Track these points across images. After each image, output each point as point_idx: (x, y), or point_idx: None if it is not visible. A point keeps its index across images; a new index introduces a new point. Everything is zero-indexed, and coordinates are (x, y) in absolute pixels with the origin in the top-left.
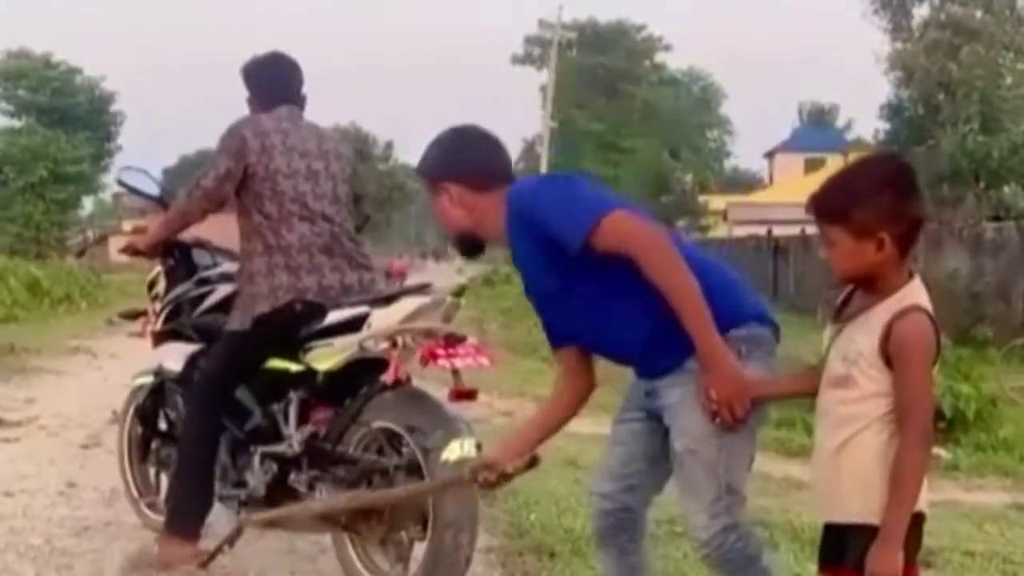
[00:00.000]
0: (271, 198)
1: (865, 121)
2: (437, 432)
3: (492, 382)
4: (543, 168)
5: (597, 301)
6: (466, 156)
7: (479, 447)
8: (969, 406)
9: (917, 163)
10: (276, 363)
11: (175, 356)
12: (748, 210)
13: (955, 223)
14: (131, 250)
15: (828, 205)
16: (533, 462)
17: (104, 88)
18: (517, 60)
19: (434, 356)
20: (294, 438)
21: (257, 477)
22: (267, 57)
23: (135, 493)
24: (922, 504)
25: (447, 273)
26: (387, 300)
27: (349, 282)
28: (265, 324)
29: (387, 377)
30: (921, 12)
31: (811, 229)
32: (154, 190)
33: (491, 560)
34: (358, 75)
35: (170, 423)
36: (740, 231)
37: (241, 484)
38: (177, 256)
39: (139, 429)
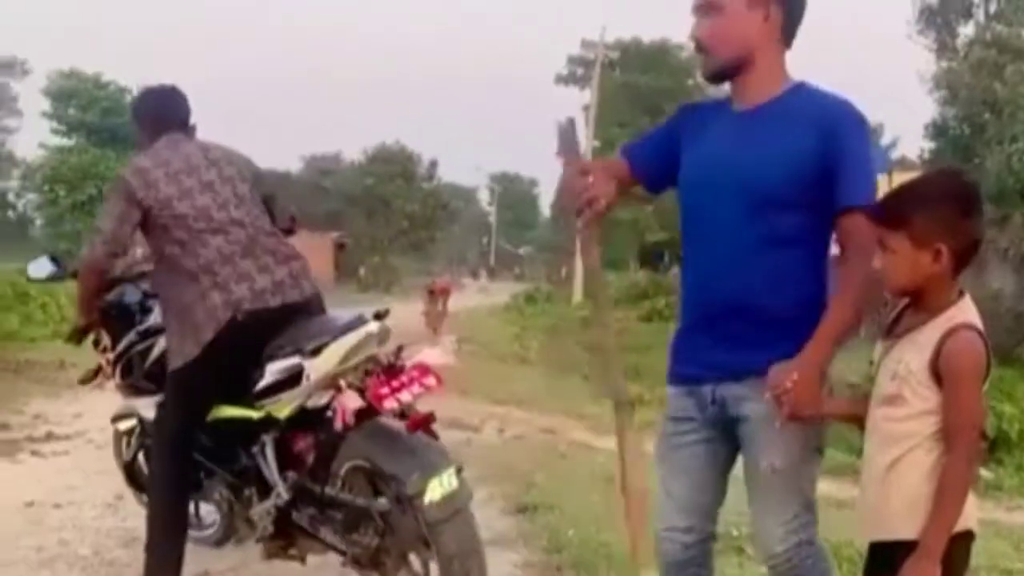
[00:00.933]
0: (175, 225)
1: (910, 140)
2: (413, 475)
3: (535, 398)
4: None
5: (779, 246)
6: None
7: (460, 471)
8: (1012, 426)
9: None
10: (236, 412)
11: (147, 405)
12: None
13: (1000, 243)
14: (77, 337)
15: (892, 210)
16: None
17: None
18: (560, 80)
19: (380, 399)
20: (280, 487)
21: (263, 519)
22: (150, 91)
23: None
24: (971, 522)
25: (491, 290)
26: (316, 351)
27: (280, 278)
28: (212, 348)
29: (336, 425)
30: (966, 31)
31: None
32: (57, 270)
33: (529, 575)
34: (402, 95)
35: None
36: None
37: (250, 524)
38: (111, 312)
39: (129, 472)
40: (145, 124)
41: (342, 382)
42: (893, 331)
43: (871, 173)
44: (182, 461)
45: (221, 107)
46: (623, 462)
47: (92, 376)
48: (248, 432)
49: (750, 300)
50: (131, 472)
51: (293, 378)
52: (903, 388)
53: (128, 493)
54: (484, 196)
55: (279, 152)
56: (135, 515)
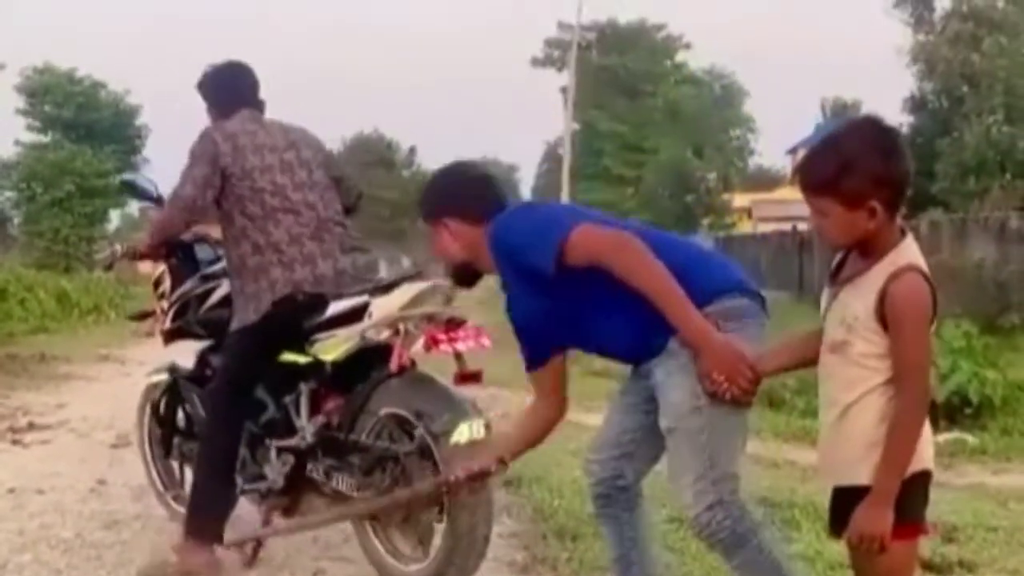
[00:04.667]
0: (251, 197)
1: (889, 115)
2: (445, 416)
3: (521, 379)
4: (566, 170)
5: (583, 309)
6: (461, 191)
7: (488, 427)
8: (996, 392)
9: (943, 155)
10: (284, 356)
11: (186, 354)
12: (772, 207)
13: (981, 214)
14: (132, 253)
15: (815, 176)
16: (502, 464)
17: (128, 102)
18: (537, 62)
19: (436, 342)
20: (307, 430)
21: (275, 470)
22: (222, 66)
23: (160, 487)
24: (927, 462)
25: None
26: (387, 288)
27: (342, 267)
28: (268, 319)
29: (392, 364)
30: (943, 4)
31: None
32: (152, 190)
33: (515, 544)
34: (379, 82)
35: (188, 419)
36: (765, 227)
37: (261, 477)
38: (179, 255)
39: (157, 426)
40: (220, 98)
41: (402, 327)
42: (838, 277)
43: (537, 235)
44: (234, 414)
45: (194, 102)
46: None
47: (143, 316)
48: (287, 382)
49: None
50: (154, 430)
51: (356, 313)
52: (850, 334)
53: (111, 478)
54: None
55: None
56: (117, 499)
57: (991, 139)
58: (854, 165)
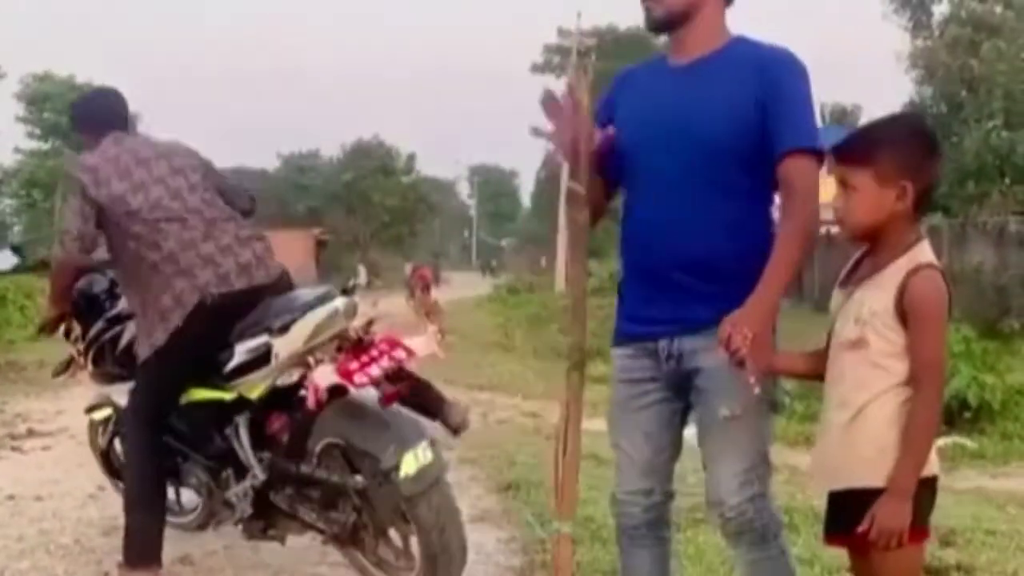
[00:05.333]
0: (130, 219)
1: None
2: (388, 449)
3: (519, 384)
4: (564, 176)
5: (729, 197)
6: None
7: (433, 443)
8: (995, 396)
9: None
10: (208, 394)
11: (120, 392)
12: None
13: (980, 218)
14: (50, 327)
15: (857, 147)
16: None
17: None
18: (537, 69)
19: (350, 375)
20: (255, 468)
21: (241, 500)
22: (87, 95)
23: None
24: (934, 467)
25: (474, 283)
26: (284, 328)
27: (245, 260)
28: (178, 335)
29: (309, 403)
30: (941, 9)
31: (835, 228)
32: (8, 262)
33: (514, 548)
34: (379, 89)
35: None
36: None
37: (229, 506)
38: (78, 301)
39: (104, 459)
40: (88, 127)
41: (311, 359)
42: (851, 279)
43: (812, 118)
44: (155, 446)
45: (198, 108)
46: (567, 424)
47: (64, 368)
48: (221, 414)
49: (703, 252)
50: (107, 460)
51: (262, 357)
52: (866, 331)
53: (109, 485)
54: (464, 189)
55: (257, 151)
56: (116, 505)
57: (990, 144)
58: (896, 144)
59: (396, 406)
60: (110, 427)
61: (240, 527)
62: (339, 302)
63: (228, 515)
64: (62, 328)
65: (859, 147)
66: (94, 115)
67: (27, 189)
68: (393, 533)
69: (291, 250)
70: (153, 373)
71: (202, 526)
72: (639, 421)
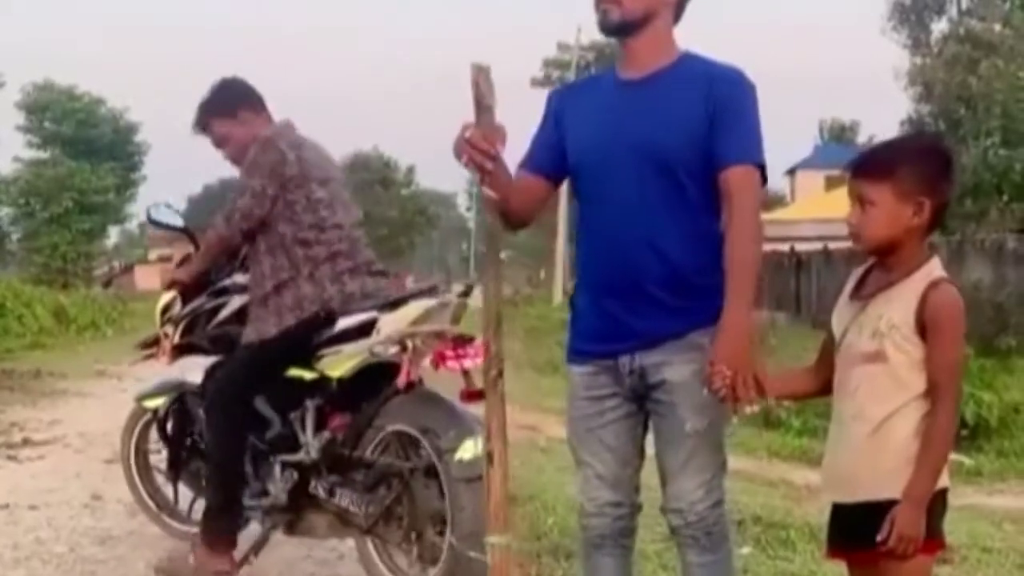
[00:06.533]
0: (306, 208)
1: (886, 137)
2: (450, 432)
3: (515, 397)
4: (562, 190)
5: (687, 210)
6: None
7: (504, 434)
8: (992, 414)
9: None
10: (291, 372)
11: (195, 369)
12: (770, 228)
13: (978, 236)
14: (175, 284)
15: (874, 164)
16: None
17: (128, 119)
18: (536, 83)
19: (443, 359)
20: (311, 445)
21: (278, 486)
22: (229, 81)
23: (153, 507)
24: (944, 479)
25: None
26: (395, 304)
27: (368, 289)
28: (287, 336)
29: (399, 381)
30: (940, 27)
31: (833, 245)
32: (179, 222)
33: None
34: (378, 101)
35: (195, 436)
36: (763, 248)
37: (264, 493)
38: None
39: (165, 445)
40: (253, 105)
41: (409, 343)
42: (860, 293)
43: (757, 134)
44: (239, 425)
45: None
46: (491, 432)
47: (149, 344)
48: (293, 397)
49: (668, 267)
50: (137, 457)
51: (365, 328)
52: (885, 344)
53: (106, 494)
54: (463, 201)
55: None
56: (111, 515)
57: (988, 162)
58: (915, 160)
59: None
60: (163, 412)
61: (262, 523)
62: (451, 297)
63: (257, 504)
64: (160, 304)
65: (878, 162)
66: (251, 94)
67: (25, 198)
68: (421, 538)
69: None
70: (253, 356)
71: None
72: (603, 436)
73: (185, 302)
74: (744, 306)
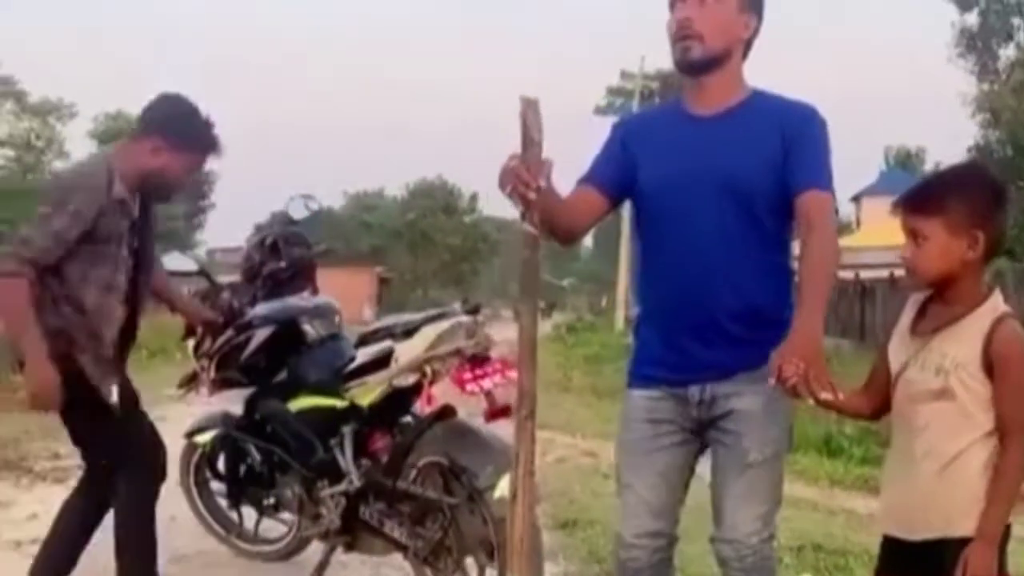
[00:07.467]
0: None
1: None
2: (487, 469)
3: (577, 423)
4: (625, 218)
5: (766, 246)
6: None
7: (532, 474)
8: None
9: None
10: (321, 401)
11: (235, 401)
12: None
13: None
14: (208, 325)
15: (926, 198)
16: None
17: None
18: (599, 111)
19: (462, 382)
20: (353, 474)
21: (331, 511)
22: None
23: (221, 530)
24: (1010, 516)
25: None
26: (409, 333)
27: None
28: None
29: (420, 406)
30: (1007, 53)
31: (899, 272)
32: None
33: None
34: (443, 129)
35: (249, 465)
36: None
37: (318, 516)
38: (226, 314)
39: (215, 478)
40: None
41: (428, 368)
42: (920, 327)
43: (828, 165)
44: None
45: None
46: (520, 471)
47: (189, 380)
48: (329, 425)
49: (738, 300)
50: (199, 489)
51: (382, 360)
52: (951, 381)
53: (182, 514)
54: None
55: (323, 190)
56: (186, 535)
57: None
58: (967, 193)
59: (498, 433)
60: (211, 447)
61: (324, 544)
62: (464, 317)
63: (315, 530)
64: (191, 342)
65: (928, 197)
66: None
67: None
68: (470, 563)
69: (354, 287)
70: None
71: (290, 553)
72: (655, 461)
73: (214, 337)
74: (817, 313)
